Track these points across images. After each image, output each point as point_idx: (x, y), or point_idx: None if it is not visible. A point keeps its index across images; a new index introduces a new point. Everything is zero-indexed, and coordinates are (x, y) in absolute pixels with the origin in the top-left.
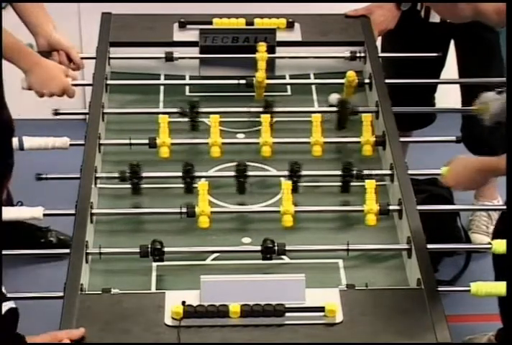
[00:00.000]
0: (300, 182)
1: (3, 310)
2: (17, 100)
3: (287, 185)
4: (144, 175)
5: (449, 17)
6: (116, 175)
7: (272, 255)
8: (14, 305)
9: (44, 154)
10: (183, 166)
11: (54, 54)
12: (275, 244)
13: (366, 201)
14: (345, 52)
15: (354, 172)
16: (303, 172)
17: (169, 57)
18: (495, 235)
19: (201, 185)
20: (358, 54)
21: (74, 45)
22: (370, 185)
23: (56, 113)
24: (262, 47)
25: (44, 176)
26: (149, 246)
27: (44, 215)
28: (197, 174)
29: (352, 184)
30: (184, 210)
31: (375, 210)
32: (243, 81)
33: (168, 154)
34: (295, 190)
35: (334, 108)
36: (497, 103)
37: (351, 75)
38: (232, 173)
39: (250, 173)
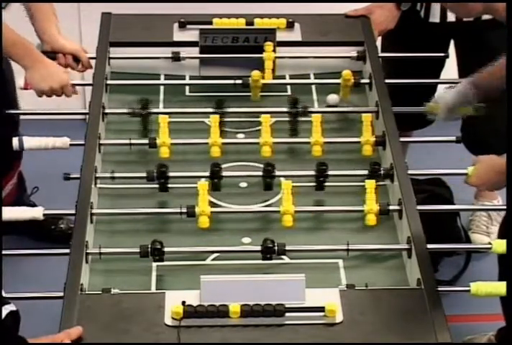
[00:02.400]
0: (326, 182)
1: (4, 313)
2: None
3: (287, 185)
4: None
5: (460, 13)
6: (144, 174)
7: (272, 255)
8: (14, 308)
9: (44, 154)
10: (211, 166)
11: (59, 57)
12: (275, 244)
13: (366, 201)
14: (351, 52)
15: (382, 171)
16: (306, 173)
17: (176, 57)
18: (501, 236)
19: (201, 185)
20: (354, 54)
21: (80, 47)
22: (370, 185)
23: None
24: (269, 46)
25: (72, 176)
26: (149, 246)
27: (44, 215)
28: (197, 174)
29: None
30: (184, 210)
31: (375, 210)
32: (239, 81)
33: (168, 154)
34: (321, 189)
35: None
36: (449, 97)
37: (347, 74)
38: (232, 173)
39: (250, 173)
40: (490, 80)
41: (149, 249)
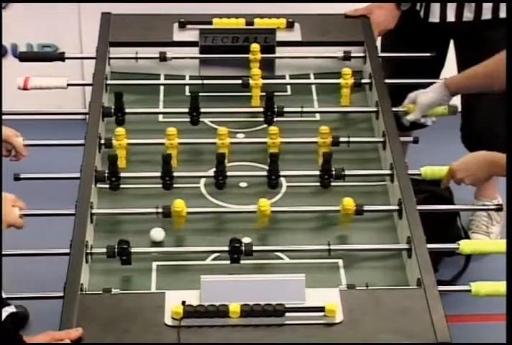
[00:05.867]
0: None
1: (4, 315)
2: (17, 100)
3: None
4: (145, 174)
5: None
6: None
7: (240, 256)
8: (14, 310)
9: (44, 154)
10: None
11: None
12: (243, 244)
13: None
14: (337, 52)
15: (334, 172)
16: (301, 173)
17: (163, 57)
18: None
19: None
20: (354, 54)
21: (13, 133)
22: None
23: None
24: (255, 48)
25: (22, 176)
26: (116, 246)
27: (44, 215)
28: (197, 174)
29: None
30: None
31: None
32: (239, 81)
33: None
34: (273, 187)
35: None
36: (424, 97)
37: (347, 71)
38: (232, 173)
39: (250, 173)
40: (467, 81)
41: (116, 250)
